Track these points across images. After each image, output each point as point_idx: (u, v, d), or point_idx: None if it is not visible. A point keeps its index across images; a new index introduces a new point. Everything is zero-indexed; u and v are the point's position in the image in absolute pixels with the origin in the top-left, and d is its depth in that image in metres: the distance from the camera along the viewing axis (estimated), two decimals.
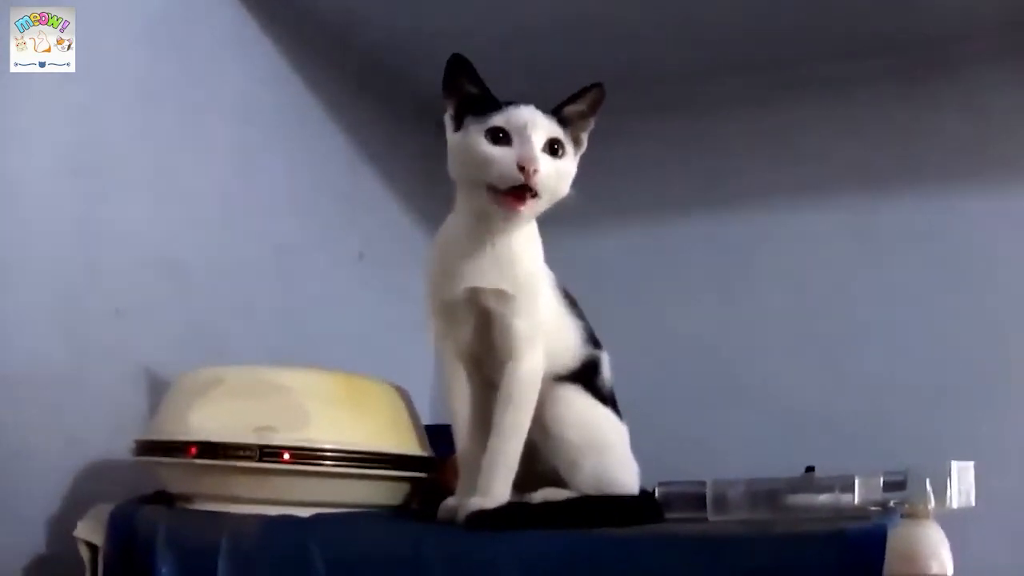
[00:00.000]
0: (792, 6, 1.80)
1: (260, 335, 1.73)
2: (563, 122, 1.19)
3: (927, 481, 1.02)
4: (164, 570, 1.12)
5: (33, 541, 1.34)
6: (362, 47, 2.01)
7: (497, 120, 1.15)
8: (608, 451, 1.25)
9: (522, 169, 1.11)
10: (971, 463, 1.07)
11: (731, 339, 1.99)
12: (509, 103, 1.18)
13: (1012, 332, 1.78)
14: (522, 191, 1.13)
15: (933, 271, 1.87)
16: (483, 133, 1.15)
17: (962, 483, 1.05)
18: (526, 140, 1.13)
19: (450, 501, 1.19)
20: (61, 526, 1.32)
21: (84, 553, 1.22)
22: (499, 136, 1.14)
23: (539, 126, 1.15)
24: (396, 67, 2.08)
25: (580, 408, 1.25)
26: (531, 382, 1.19)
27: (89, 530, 1.22)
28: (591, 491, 1.21)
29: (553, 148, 1.16)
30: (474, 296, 1.19)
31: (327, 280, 1.96)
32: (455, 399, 1.26)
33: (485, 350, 1.22)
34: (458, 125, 1.20)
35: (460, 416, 1.25)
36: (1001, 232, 1.84)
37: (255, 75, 1.82)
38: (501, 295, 1.18)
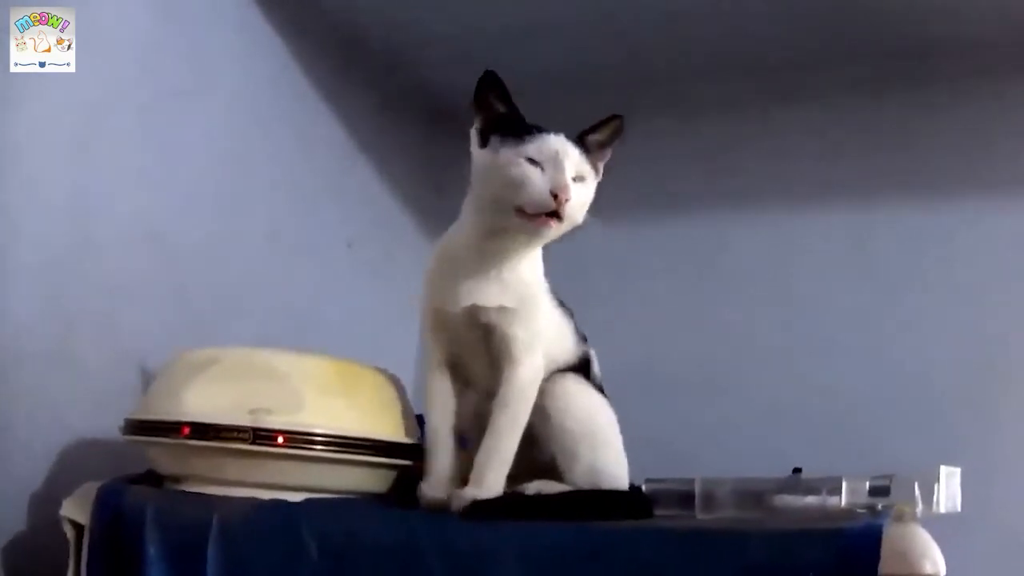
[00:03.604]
0: (793, 11, 1.81)
1: (249, 319, 1.73)
2: (584, 149, 1.22)
3: (916, 485, 1.03)
4: (152, 550, 1.11)
5: (15, 519, 1.33)
6: (359, 37, 2.01)
7: (530, 147, 1.18)
8: (605, 443, 1.28)
9: (555, 196, 1.15)
10: (958, 468, 1.08)
11: (720, 338, 2.00)
12: (538, 127, 1.21)
13: (1000, 340, 1.81)
14: (549, 216, 1.16)
15: (924, 278, 1.89)
16: (516, 155, 1.17)
17: (949, 488, 1.06)
18: (560, 168, 1.17)
19: (423, 485, 1.23)
20: (44, 504, 1.31)
21: (69, 532, 1.21)
22: (530, 161, 1.17)
23: (570, 156, 1.19)
24: (392, 58, 2.09)
25: (583, 399, 1.28)
26: (529, 386, 1.23)
27: (75, 508, 1.21)
28: (584, 481, 1.23)
29: (579, 178, 1.20)
30: (475, 312, 1.22)
31: (316, 266, 1.96)
32: (434, 408, 1.28)
33: (480, 359, 1.26)
34: (483, 141, 1.22)
35: (437, 429, 1.27)
36: (992, 241, 1.86)
37: (252, 62, 1.82)
38: (503, 310, 1.22)
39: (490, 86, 1.21)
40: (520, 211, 1.16)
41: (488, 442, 1.20)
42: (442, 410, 1.27)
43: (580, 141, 1.22)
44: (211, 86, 1.71)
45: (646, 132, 2.12)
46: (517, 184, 1.16)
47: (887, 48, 1.94)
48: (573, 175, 1.18)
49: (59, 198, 1.42)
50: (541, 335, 1.25)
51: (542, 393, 1.24)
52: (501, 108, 1.21)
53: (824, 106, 2.03)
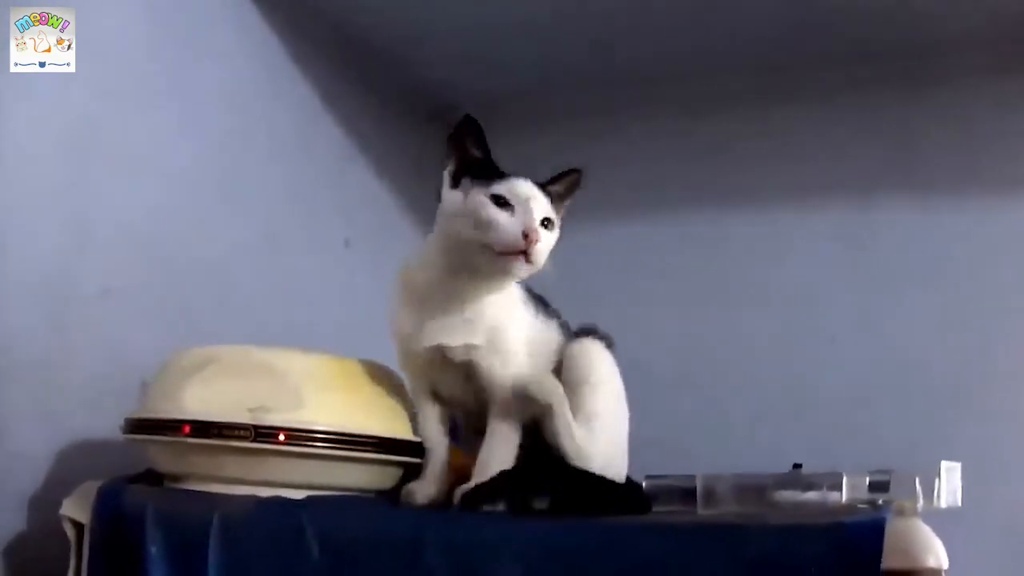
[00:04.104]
0: (788, 10, 1.83)
1: (246, 318, 1.73)
2: (547, 197, 1.25)
3: (916, 480, 1.04)
4: (152, 549, 1.11)
5: (15, 519, 1.33)
6: (356, 36, 2.02)
7: (501, 188, 1.20)
8: (611, 394, 1.30)
9: (525, 237, 1.17)
10: (958, 464, 1.09)
11: (718, 337, 2.02)
12: (509, 174, 1.23)
13: (997, 338, 1.83)
14: (518, 255, 1.18)
15: (924, 275, 1.91)
16: (488, 196, 1.20)
17: (950, 483, 1.07)
18: (529, 211, 1.19)
19: (412, 486, 1.25)
20: (44, 504, 1.31)
21: (69, 531, 1.21)
22: (501, 202, 1.19)
23: (539, 201, 1.22)
24: (388, 56, 2.10)
25: (604, 361, 1.30)
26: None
27: (75, 508, 1.21)
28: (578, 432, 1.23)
29: (543, 223, 1.21)
30: (442, 350, 1.24)
31: (313, 265, 1.97)
32: (427, 427, 1.30)
33: (459, 387, 1.28)
34: (454, 183, 1.25)
35: (430, 438, 1.29)
36: (988, 240, 1.88)
37: (249, 62, 1.82)
38: (469, 347, 1.24)
39: (468, 130, 1.24)
40: (489, 249, 1.18)
41: (489, 443, 1.23)
42: (435, 427, 1.30)
43: (542, 189, 1.24)
44: (210, 86, 1.71)
45: (644, 131, 2.14)
46: (487, 224, 1.18)
47: (887, 47, 1.95)
48: (541, 218, 1.20)
49: (56, 198, 1.42)
50: (519, 349, 1.27)
51: (564, 359, 1.27)
52: (476, 153, 1.24)
53: (824, 105, 2.05)
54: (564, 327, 1.35)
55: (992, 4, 1.79)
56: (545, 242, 1.20)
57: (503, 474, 1.19)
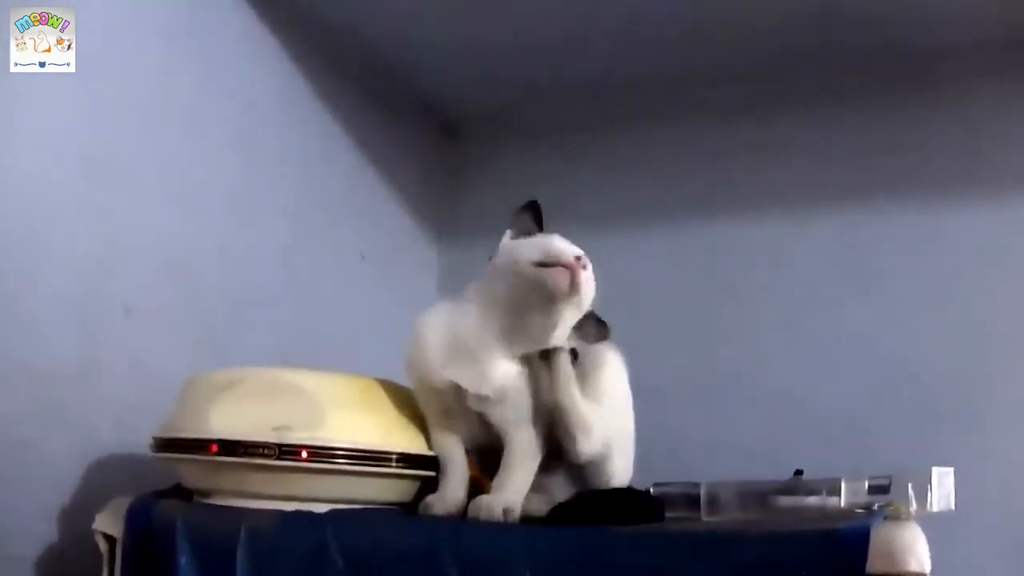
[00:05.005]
0: (787, 17, 1.85)
1: (264, 334, 1.77)
2: None
3: (909, 485, 1.07)
4: (182, 561, 1.15)
5: (47, 532, 1.37)
6: (367, 51, 2.06)
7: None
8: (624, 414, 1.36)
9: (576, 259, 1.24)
10: (951, 469, 1.12)
11: (720, 343, 2.04)
12: None
13: (996, 343, 1.84)
14: (565, 272, 1.23)
15: (920, 282, 1.92)
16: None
17: (942, 488, 1.10)
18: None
19: (430, 498, 1.29)
20: (72, 518, 1.37)
21: (102, 545, 1.25)
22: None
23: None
24: (400, 71, 2.14)
25: (614, 365, 1.36)
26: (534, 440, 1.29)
27: (107, 522, 1.25)
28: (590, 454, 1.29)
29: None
30: (458, 391, 1.28)
31: (330, 280, 2.00)
32: (445, 442, 1.33)
33: (474, 427, 1.31)
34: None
35: (448, 455, 1.33)
36: (987, 244, 1.89)
37: (262, 77, 1.85)
38: (482, 399, 1.28)
39: (531, 212, 1.34)
40: (540, 265, 1.24)
41: (508, 462, 1.27)
42: (451, 441, 1.33)
43: None
44: (219, 103, 1.74)
45: (646, 139, 2.16)
46: (538, 245, 1.26)
47: (888, 52, 1.97)
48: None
49: (77, 222, 1.46)
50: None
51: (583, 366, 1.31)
52: (536, 229, 1.33)
53: (825, 109, 2.06)
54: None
55: (993, 7, 1.80)
56: (588, 282, 1.26)
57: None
